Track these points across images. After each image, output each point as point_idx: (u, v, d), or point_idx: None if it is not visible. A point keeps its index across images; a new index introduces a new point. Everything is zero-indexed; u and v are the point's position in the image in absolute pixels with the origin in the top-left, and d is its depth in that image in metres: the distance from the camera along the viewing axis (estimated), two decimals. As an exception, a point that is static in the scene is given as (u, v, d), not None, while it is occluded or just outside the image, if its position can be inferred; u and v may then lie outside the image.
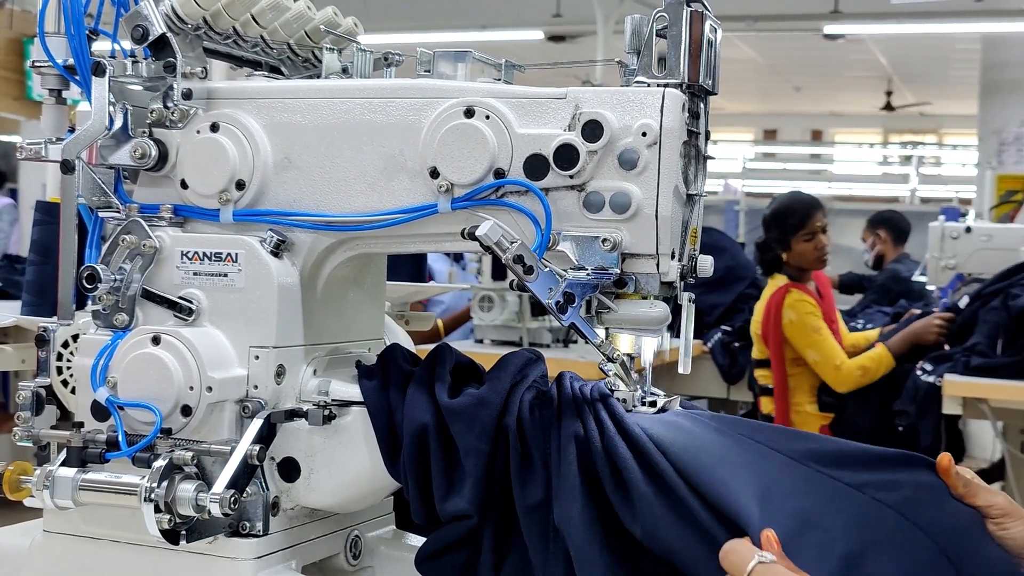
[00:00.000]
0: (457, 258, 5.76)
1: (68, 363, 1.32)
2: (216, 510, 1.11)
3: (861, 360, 4.43)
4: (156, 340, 1.18)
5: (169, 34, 1.22)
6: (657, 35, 1.13)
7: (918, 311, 4.66)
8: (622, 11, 9.37)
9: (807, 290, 4.57)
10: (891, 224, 6.58)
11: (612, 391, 1.18)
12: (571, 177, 1.12)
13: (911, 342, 4.45)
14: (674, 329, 1.21)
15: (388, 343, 1.36)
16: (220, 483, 1.12)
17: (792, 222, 4.58)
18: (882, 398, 4.48)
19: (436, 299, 5.19)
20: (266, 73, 1.35)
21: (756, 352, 4.76)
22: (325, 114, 1.21)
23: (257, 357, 1.19)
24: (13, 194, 8.34)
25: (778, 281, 4.62)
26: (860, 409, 4.49)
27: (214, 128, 1.23)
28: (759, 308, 4.69)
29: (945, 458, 1.11)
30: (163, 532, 1.10)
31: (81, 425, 1.21)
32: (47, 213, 3.09)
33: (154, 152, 1.23)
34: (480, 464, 1.14)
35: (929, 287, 5.73)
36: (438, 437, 1.16)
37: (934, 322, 4.44)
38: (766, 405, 4.73)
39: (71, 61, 1.26)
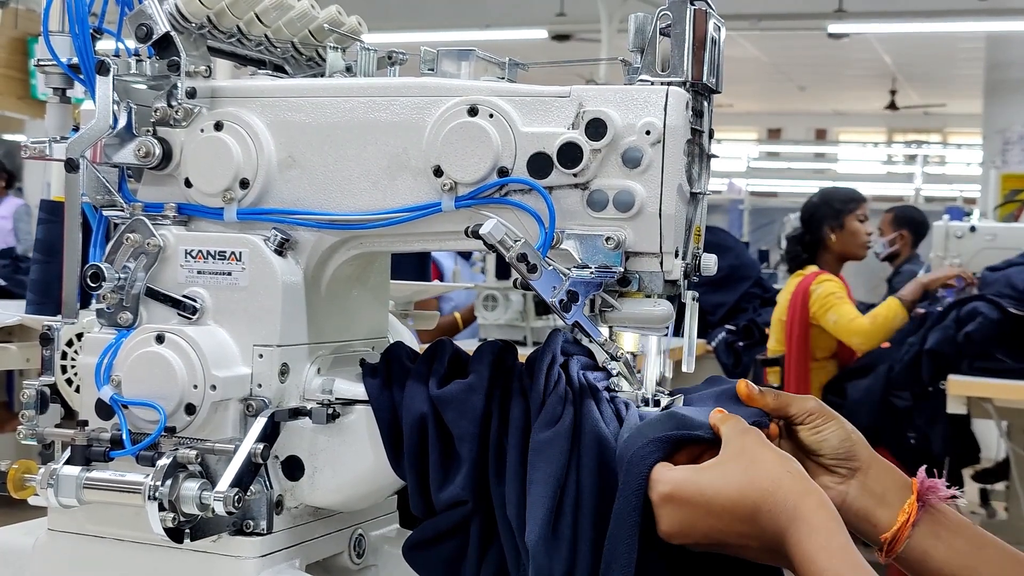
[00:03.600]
0: (466, 255, 5.76)
1: (72, 362, 1.32)
2: (220, 508, 1.11)
3: (873, 311, 4.48)
4: (160, 339, 1.18)
5: (173, 33, 1.22)
6: (661, 33, 1.13)
7: (923, 310, 4.65)
8: (626, 10, 9.36)
9: (836, 275, 4.60)
10: (916, 227, 6.57)
11: (615, 391, 1.18)
12: (575, 175, 1.12)
13: (922, 290, 4.50)
14: (678, 328, 1.21)
15: (392, 341, 1.36)
16: (224, 481, 1.12)
17: (851, 198, 4.64)
18: (882, 395, 4.48)
19: (445, 296, 5.19)
20: (270, 72, 1.35)
21: (772, 343, 4.75)
22: (329, 113, 1.21)
23: (261, 356, 1.20)
24: (21, 193, 8.36)
25: (806, 271, 4.65)
26: (859, 405, 4.50)
27: (218, 127, 1.23)
28: (783, 298, 4.69)
29: (742, 385, 1.14)
30: (167, 530, 1.11)
31: (85, 423, 1.21)
32: (51, 212, 3.10)
33: (158, 151, 1.23)
34: (474, 449, 1.14)
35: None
36: (435, 427, 1.16)
37: (942, 274, 4.53)
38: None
39: (75, 60, 1.26)
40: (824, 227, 4.65)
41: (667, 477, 1.03)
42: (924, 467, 1.13)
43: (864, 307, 4.80)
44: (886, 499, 1.12)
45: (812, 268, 4.63)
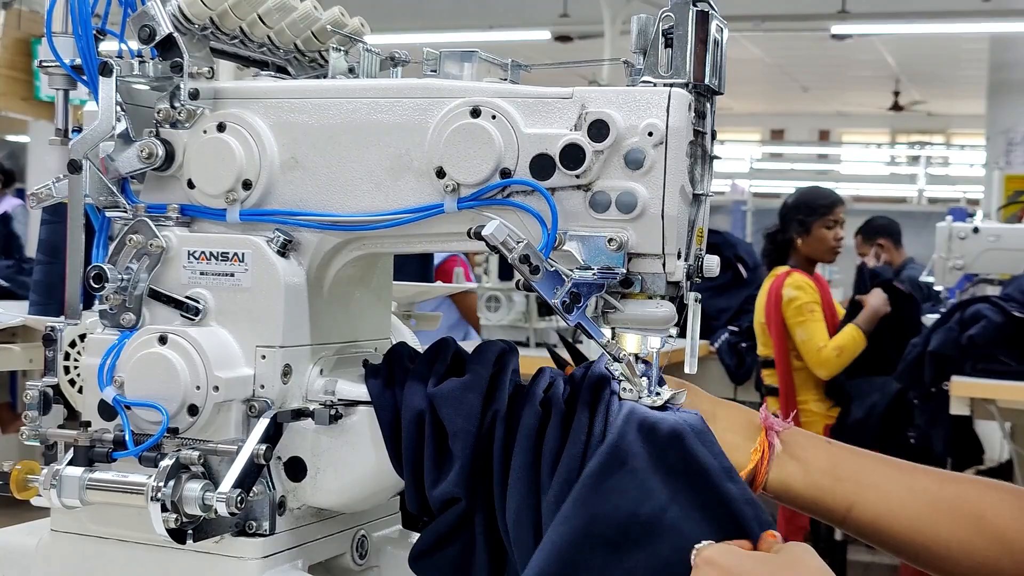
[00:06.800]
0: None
1: (75, 362, 1.32)
2: (223, 509, 1.11)
3: (836, 341, 4.52)
4: (163, 340, 1.18)
5: (176, 34, 1.22)
6: (663, 35, 1.13)
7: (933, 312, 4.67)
8: (629, 11, 9.38)
9: (808, 275, 4.63)
10: (887, 230, 6.60)
11: (617, 390, 1.18)
12: (577, 177, 1.12)
13: (876, 318, 4.57)
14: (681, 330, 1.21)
15: (395, 343, 1.36)
16: (227, 482, 1.12)
17: (819, 204, 4.68)
18: (888, 397, 4.49)
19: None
20: (273, 73, 1.35)
21: (761, 348, 4.77)
22: (331, 114, 1.21)
23: (264, 357, 1.20)
24: (20, 194, 8.37)
25: (779, 271, 4.69)
26: (863, 406, 4.51)
27: (221, 128, 1.23)
28: (760, 301, 4.73)
29: None
30: (170, 531, 1.11)
31: (88, 424, 1.21)
32: (54, 213, 3.10)
33: (161, 152, 1.23)
34: (468, 446, 1.14)
35: (936, 287, 5.72)
36: (432, 424, 1.16)
37: (882, 296, 4.59)
38: (772, 405, 4.73)
39: (78, 61, 1.26)
40: (791, 231, 4.71)
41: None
42: (765, 404, 1.17)
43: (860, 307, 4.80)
44: (738, 443, 1.18)
45: (783, 268, 4.68)
